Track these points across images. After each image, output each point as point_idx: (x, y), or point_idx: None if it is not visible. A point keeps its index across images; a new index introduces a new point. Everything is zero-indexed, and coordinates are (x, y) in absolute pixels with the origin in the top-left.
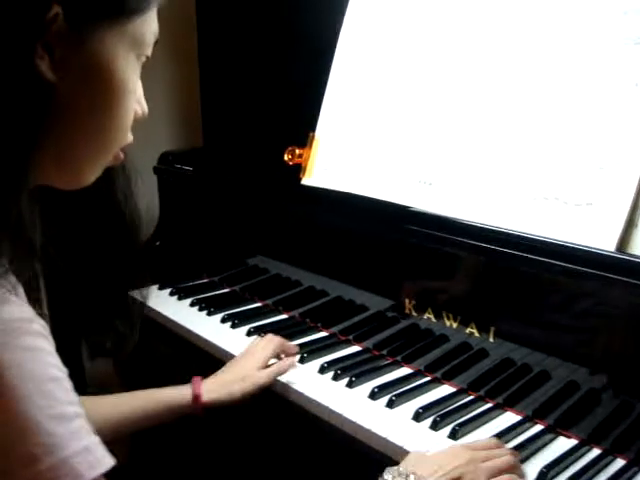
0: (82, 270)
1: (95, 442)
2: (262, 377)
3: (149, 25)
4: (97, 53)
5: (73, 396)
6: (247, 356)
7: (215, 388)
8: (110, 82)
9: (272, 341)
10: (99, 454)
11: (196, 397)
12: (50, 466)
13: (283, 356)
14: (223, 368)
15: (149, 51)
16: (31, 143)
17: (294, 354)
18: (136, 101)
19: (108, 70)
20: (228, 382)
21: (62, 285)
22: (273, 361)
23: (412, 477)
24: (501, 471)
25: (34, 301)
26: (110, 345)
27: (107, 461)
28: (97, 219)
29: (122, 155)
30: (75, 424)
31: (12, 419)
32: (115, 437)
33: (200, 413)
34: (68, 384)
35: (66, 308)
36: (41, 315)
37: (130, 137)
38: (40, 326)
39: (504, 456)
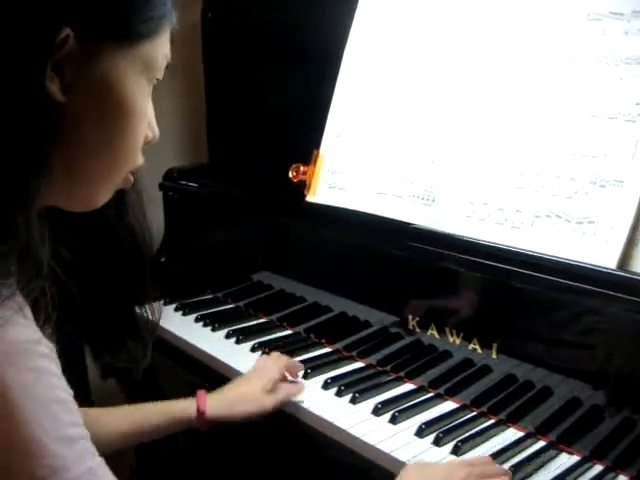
0: (93, 290)
1: (99, 463)
2: (268, 403)
3: (160, 49)
4: (107, 75)
5: (78, 418)
6: (255, 376)
7: (219, 405)
8: (120, 104)
9: (279, 361)
10: (103, 475)
11: (200, 412)
12: None
13: (287, 375)
14: (230, 384)
15: (160, 74)
16: (40, 163)
17: (298, 372)
18: (147, 124)
19: (118, 92)
20: (232, 400)
21: (73, 305)
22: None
23: None
24: None
25: (41, 322)
26: (122, 365)
27: None
28: (109, 239)
29: (132, 178)
30: (79, 446)
31: (17, 440)
32: (120, 448)
33: (204, 427)
34: (73, 406)
35: (78, 328)
36: (49, 336)
37: (141, 160)
38: (47, 348)
39: (501, 474)
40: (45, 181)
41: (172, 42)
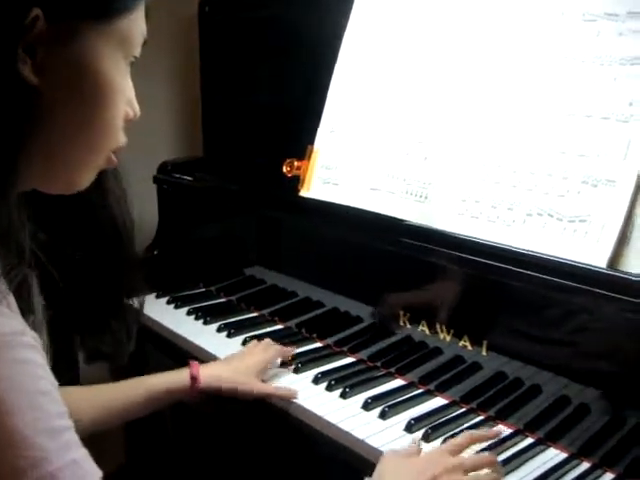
0: (76, 274)
1: (83, 455)
2: (255, 387)
3: (136, 25)
4: (81, 54)
5: (63, 409)
6: (247, 355)
7: (210, 374)
8: (96, 82)
9: (271, 345)
10: (87, 467)
11: (193, 379)
12: (37, 479)
13: (282, 367)
14: (222, 360)
15: (137, 51)
16: (17, 147)
17: (291, 358)
18: (126, 102)
19: (93, 71)
20: (221, 373)
21: (57, 289)
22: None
23: None
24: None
25: (25, 310)
26: (107, 349)
27: (95, 473)
28: (89, 223)
29: (115, 158)
30: (64, 437)
31: (0, 432)
32: (114, 423)
33: (195, 397)
34: (58, 397)
35: (62, 312)
36: (33, 324)
37: (123, 139)
38: (31, 338)
39: (482, 459)
40: (24, 165)
41: (147, 17)
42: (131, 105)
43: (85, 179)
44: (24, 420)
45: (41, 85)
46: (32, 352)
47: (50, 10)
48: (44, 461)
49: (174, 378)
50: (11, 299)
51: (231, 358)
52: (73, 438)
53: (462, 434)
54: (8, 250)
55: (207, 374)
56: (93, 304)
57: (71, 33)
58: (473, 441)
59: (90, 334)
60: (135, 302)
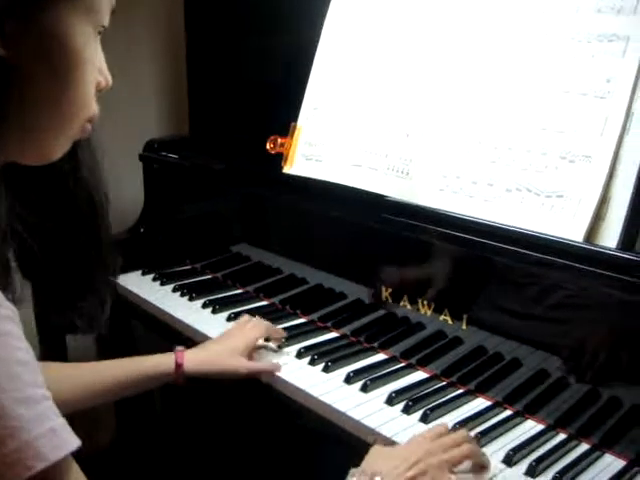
0: (50, 246)
1: (61, 424)
2: (242, 366)
3: None
4: (50, 25)
5: (40, 379)
6: (236, 333)
7: (195, 359)
8: (65, 52)
9: (259, 324)
10: (65, 435)
11: (178, 365)
12: (14, 448)
13: (269, 344)
14: (207, 342)
15: (106, 21)
16: None
17: (281, 338)
18: (98, 71)
19: (62, 41)
20: (207, 356)
21: (35, 262)
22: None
23: (377, 478)
24: (462, 457)
25: (5, 285)
26: (81, 324)
27: (73, 442)
28: (62, 194)
29: (89, 127)
30: (41, 407)
31: None
32: (96, 402)
33: (181, 381)
34: (36, 367)
35: (38, 285)
36: (12, 299)
37: (95, 108)
38: (8, 310)
39: (464, 443)
40: None
41: None
42: (103, 74)
43: (59, 149)
44: (1, 390)
45: (10, 57)
46: (9, 323)
47: None
48: (21, 430)
49: (159, 362)
50: None
51: (218, 339)
52: (51, 407)
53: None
54: None
55: (192, 359)
56: (68, 277)
57: (39, 4)
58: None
59: (65, 306)
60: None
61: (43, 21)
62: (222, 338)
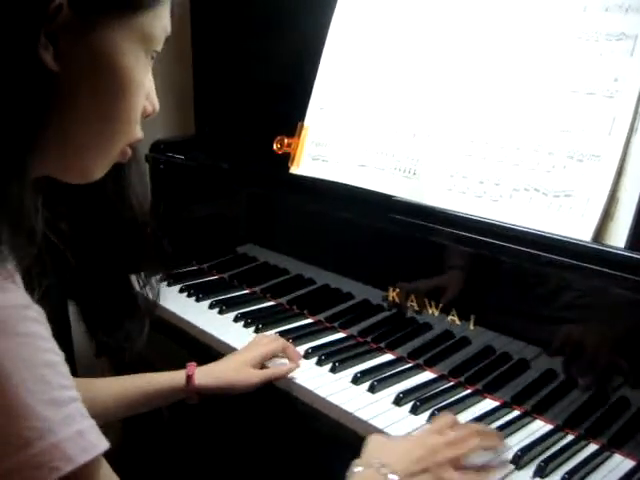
0: (92, 263)
1: (90, 426)
2: (254, 377)
3: (159, 20)
4: (103, 45)
5: (69, 380)
6: (250, 347)
7: (207, 375)
8: (116, 75)
9: (276, 340)
10: (93, 438)
11: (190, 382)
12: (41, 450)
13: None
14: (223, 359)
15: (159, 47)
16: (34, 132)
17: (297, 360)
18: (145, 97)
19: (114, 63)
20: (219, 372)
21: (73, 280)
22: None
23: (384, 469)
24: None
25: (33, 289)
26: (116, 345)
27: (101, 444)
28: (105, 214)
29: (129, 151)
30: (69, 408)
31: (5, 404)
32: (107, 419)
33: (193, 398)
34: (64, 369)
35: (79, 306)
36: (40, 302)
37: (140, 133)
38: (36, 312)
39: (471, 439)
40: (40, 149)
41: (173, 15)
42: (150, 100)
43: (98, 171)
44: (28, 392)
45: (61, 73)
46: (37, 325)
47: (75, 0)
48: (49, 432)
49: (171, 378)
50: (17, 278)
51: (232, 355)
52: (79, 409)
53: (448, 415)
54: (18, 230)
55: (203, 374)
56: (109, 297)
57: (94, 24)
58: (456, 422)
59: (103, 330)
60: (150, 295)
61: (97, 41)
62: (236, 353)
